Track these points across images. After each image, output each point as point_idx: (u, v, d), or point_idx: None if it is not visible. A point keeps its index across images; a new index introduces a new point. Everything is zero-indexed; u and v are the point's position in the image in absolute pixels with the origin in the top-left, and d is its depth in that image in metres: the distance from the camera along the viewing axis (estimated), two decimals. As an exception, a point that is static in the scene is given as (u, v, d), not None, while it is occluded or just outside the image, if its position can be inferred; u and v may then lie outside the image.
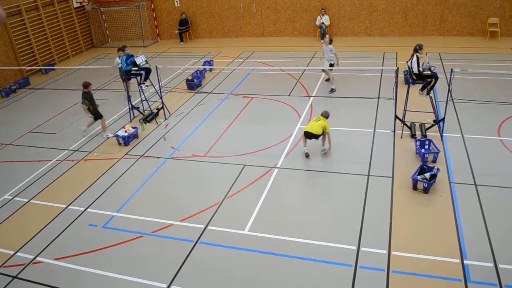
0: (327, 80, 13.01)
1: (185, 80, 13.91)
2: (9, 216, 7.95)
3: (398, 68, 9.46)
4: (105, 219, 7.56)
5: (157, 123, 11.29)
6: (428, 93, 9.28)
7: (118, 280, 6.16)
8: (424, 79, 9.11)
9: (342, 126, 10.09)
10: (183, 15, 19.84)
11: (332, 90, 12.37)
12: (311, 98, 12.05)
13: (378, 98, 11.67)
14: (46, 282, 6.24)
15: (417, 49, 9.03)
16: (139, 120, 11.27)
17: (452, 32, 17.22)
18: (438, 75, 9.12)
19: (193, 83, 13.58)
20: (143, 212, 7.67)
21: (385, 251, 6.20)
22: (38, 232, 7.37)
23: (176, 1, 20.01)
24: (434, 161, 8.29)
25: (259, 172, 8.55)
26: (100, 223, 7.46)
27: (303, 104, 11.67)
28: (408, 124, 9.52)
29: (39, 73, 17.09)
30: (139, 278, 6.15)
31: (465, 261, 5.92)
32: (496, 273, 5.69)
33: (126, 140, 10.16)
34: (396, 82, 9.28)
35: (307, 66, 14.93)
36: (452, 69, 8.49)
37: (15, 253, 6.91)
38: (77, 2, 19.27)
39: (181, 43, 20.01)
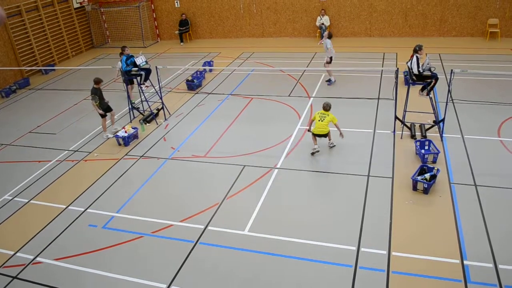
0: (328, 81, 13.08)
1: (185, 81, 13.92)
2: (9, 217, 7.95)
3: (398, 68, 9.46)
4: (105, 219, 7.56)
5: (157, 124, 11.29)
6: (428, 94, 9.28)
7: (118, 281, 6.16)
8: (424, 80, 9.11)
9: (342, 127, 10.03)
10: (183, 15, 19.85)
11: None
12: (311, 98, 12.05)
13: (378, 98, 11.67)
14: (46, 282, 6.24)
15: (417, 49, 9.05)
16: (139, 120, 11.28)
17: (452, 33, 17.23)
18: (438, 76, 9.12)
19: (193, 84, 13.58)
20: (143, 212, 7.67)
21: (385, 252, 6.20)
22: (38, 233, 7.37)
23: (176, 2, 20.02)
24: (434, 161, 8.29)
25: (259, 172, 8.55)
26: (100, 223, 7.46)
27: (303, 104, 11.68)
28: (408, 124, 9.53)
29: (39, 73, 17.09)
30: (139, 278, 6.15)
31: (465, 262, 5.92)
32: (496, 273, 5.69)
33: (126, 141, 10.17)
34: (396, 83, 9.29)
35: (307, 66, 14.93)
36: (452, 70, 8.50)
37: (15, 253, 6.91)
38: (77, 3, 19.27)
39: (181, 43, 20.02)
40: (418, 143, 8.64)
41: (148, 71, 11.50)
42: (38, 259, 6.74)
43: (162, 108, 11.64)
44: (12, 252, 6.94)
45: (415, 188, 7.53)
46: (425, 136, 9.20)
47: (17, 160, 10.17)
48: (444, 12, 16.95)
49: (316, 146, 9.00)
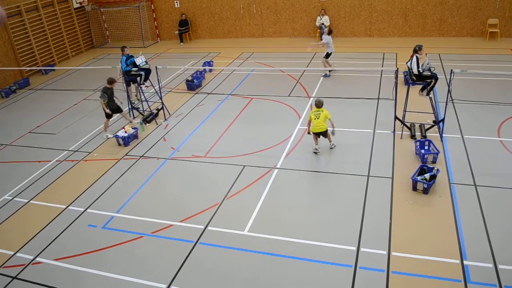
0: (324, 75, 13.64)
1: (185, 81, 13.92)
2: (9, 217, 7.94)
3: (398, 68, 9.46)
4: (105, 219, 7.56)
5: (157, 124, 11.29)
6: (428, 94, 9.28)
7: (118, 281, 6.16)
8: (424, 80, 9.12)
9: (342, 127, 10.08)
10: (183, 15, 19.85)
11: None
12: (311, 98, 12.05)
13: (378, 98, 11.67)
14: (46, 282, 6.24)
15: (417, 49, 9.05)
16: (139, 120, 11.27)
17: (452, 33, 17.24)
18: (438, 76, 9.12)
19: (193, 84, 13.58)
20: (143, 212, 7.67)
21: (385, 252, 6.21)
22: (38, 233, 7.37)
23: (176, 2, 20.02)
24: (433, 161, 8.29)
25: (259, 172, 8.55)
26: (100, 223, 7.46)
27: (303, 104, 11.68)
28: (408, 124, 9.53)
29: (39, 73, 17.09)
30: (139, 278, 6.15)
31: (465, 262, 5.92)
32: (496, 273, 5.69)
33: (126, 141, 10.17)
34: (396, 83, 9.29)
35: (306, 66, 14.93)
36: (452, 70, 8.50)
37: (14, 254, 6.91)
38: (77, 3, 19.27)
39: (181, 43, 20.01)
40: (418, 143, 8.64)
41: (148, 71, 11.50)
42: (38, 259, 6.74)
43: (162, 108, 11.64)
44: (12, 252, 6.94)
45: (415, 188, 7.53)
46: (425, 136, 9.20)
47: (17, 160, 10.17)
48: (444, 12, 16.96)
49: (317, 146, 9.00)
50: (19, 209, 8.16)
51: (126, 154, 9.83)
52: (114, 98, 10.67)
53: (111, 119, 10.89)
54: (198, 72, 14.57)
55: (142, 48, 19.05)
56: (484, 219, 6.72)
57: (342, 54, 15.51)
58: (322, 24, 17.87)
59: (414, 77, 9.14)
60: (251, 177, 8.39)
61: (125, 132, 10.25)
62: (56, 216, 7.78)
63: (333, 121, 8.85)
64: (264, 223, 7.07)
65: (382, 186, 7.78)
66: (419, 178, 7.51)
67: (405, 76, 11.88)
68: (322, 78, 13.58)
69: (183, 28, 19.93)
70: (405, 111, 9.52)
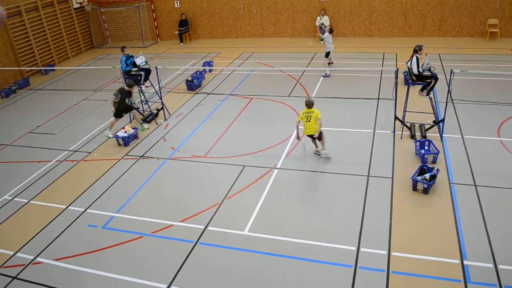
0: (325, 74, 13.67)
1: (185, 81, 13.92)
2: (9, 217, 7.94)
3: (398, 68, 9.46)
4: (105, 219, 7.56)
5: (157, 124, 11.29)
6: (427, 94, 9.29)
7: (118, 281, 6.16)
8: (424, 80, 9.12)
9: (342, 127, 10.10)
10: (183, 15, 19.85)
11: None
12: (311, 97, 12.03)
13: (378, 98, 11.68)
14: (46, 282, 6.24)
15: (417, 49, 9.05)
16: (139, 120, 11.26)
17: (452, 33, 17.24)
18: (438, 76, 9.13)
19: (193, 84, 13.58)
20: (143, 212, 7.66)
21: (385, 252, 6.20)
22: (38, 233, 7.37)
23: (176, 2, 20.03)
24: (434, 161, 8.29)
25: (259, 172, 8.55)
26: (100, 223, 7.46)
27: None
28: (408, 124, 9.53)
29: (39, 73, 17.09)
30: (139, 278, 6.14)
31: (465, 262, 5.92)
32: (496, 273, 5.69)
33: (126, 141, 10.16)
34: (396, 83, 9.29)
35: (307, 66, 14.94)
36: (451, 70, 8.50)
37: (15, 254, 6.91)
38: (77, 3, 19.27)
39: (181, 44, 20.01)
40: (418, 143, 8.64)
41: (147, 71, 11.49)
42: (38, 259, 6.74)
43: (162, 108, 11.64)
44: (12, 252, 6.94)
45: (415, 188, 7.53)
46: (425, 136, 9.20)
47: (17, 160, 10.17)
48: (444, 12, 16.96)
49: (317, 148, 8.90)
50: (19, 209, 8.16)
51: (126, 154, 9.83)
52: (132, 104, 10.88)
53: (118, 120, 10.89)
54: (198, 72, 14.57)
55: (142, 48, 19.05)
56: (484, 219, 6.72)
57: (342, 54, 15.51)
58: (322, 24, 17.85)
59: (414, 77, 9.14)
60: (251, 177, 8.39)
61: (125, 132, 10.25)
62: (56, 216, 7.78)
63: (322, 121, 8.42)
64: (264, 223, 7.07)
65: (382, 186, 7.78)
66: (419, 178, 7.51)
67: (405, 76, 11.88)
68: (322, 78, 13.58)
69: (183, 28, 19.94)
70: (405, 111, 9.52)
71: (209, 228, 7.07)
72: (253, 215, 7.27)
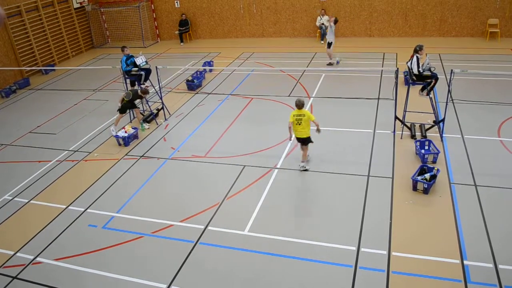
0: (329, 64, 14.27)
1: (185, 81, 13.92)
2: (9, 217, 7.94)
3: (398, 68, 9.45)
4: (105, 219, 7.56)
5: (157, 124, 11.29)
6: (428, 94, 9.28)
7: (118, 281, 6.16)
8: (424, 80, 9.11)
9: (342, 127, 10.10)
10: (183, 15, 19.85)
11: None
12: (311, 98, 12.04)
13: (378, 98, 11.67)
14: (46, 282, 6.24)
15: (417, 49, 9.04)
16: (140, 120, 11.27)
17: (452, 33, 17.24)
18: (438, 76, 9.12)
19: (193, 84, 13.58)
20: (143, 212, 7.67)
21: (385, 252, 6.20)
22: (38, 233, 7.37)
23: (176, 2, 20.03)
24: (434, 161, 8.29)
25: (259, 172, 8.55)
26: (100, 223, 7.46)
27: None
28: (408, 124, 9.53)
29: (39, 73, 17.09)
30: (139, 278, 6.14)
31: (465, 262, 5.92)
32: (496, 273, 5.68)
33: (126, 141, 10.17)
34: (396, 83, 9.29)
35: (307, 66, 14.93)
36: (452, 70, 8.50)
37: (15, 254, 6.91)
38: (77, 3, 19.27)
39: (181, 43, 20.01)
40: (418, 143, 8.64)
41: (148, 71, 11.50)
42: (38, 259, 6.74)
43: (162, 108, 11.64)
44: (12, 252, 6.94)
45: (415, 188, 7.53)
46: (425, 136, 9.20)
47: (17, 160, 10.17)
48: (444, 12, 16.95)
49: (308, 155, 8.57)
50: (19, 209, 8.16)
51: (126, 154, 9.84)
52: (138, 107, 11.02)
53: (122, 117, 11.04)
54: (198, 72, 14.57)
55: (142, 48, 19.05)
56: (484, 219, 6.72)
57: (342, 54, 15.50)
58: (322, 24, 17.86)
59: (414, 77, 9.14)
60: (251, 177, 8.39)
61: (125, 132, 10.25)
62: (56, 216, 7.78)
63: (318, 121, 8.10)
64: (264, 223, 7.07)
65: (382, 186, 7.77)
66: (419, 178, 7.51)
67: (405, 76, 11.88)
68: (323, 79, 13.52)
69: (183, 28, 19.93)
70: (405, 111, 9.52)
71: (209, 228, 7.07)
72: (253, 215, 7.27)
